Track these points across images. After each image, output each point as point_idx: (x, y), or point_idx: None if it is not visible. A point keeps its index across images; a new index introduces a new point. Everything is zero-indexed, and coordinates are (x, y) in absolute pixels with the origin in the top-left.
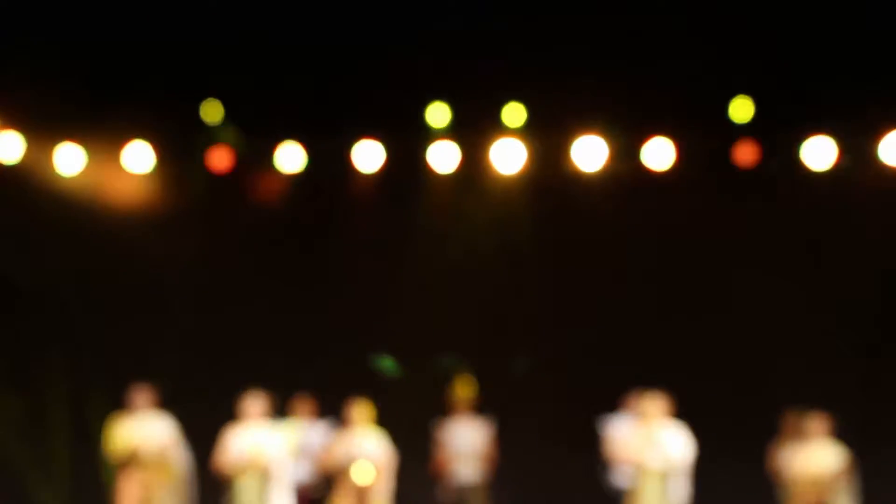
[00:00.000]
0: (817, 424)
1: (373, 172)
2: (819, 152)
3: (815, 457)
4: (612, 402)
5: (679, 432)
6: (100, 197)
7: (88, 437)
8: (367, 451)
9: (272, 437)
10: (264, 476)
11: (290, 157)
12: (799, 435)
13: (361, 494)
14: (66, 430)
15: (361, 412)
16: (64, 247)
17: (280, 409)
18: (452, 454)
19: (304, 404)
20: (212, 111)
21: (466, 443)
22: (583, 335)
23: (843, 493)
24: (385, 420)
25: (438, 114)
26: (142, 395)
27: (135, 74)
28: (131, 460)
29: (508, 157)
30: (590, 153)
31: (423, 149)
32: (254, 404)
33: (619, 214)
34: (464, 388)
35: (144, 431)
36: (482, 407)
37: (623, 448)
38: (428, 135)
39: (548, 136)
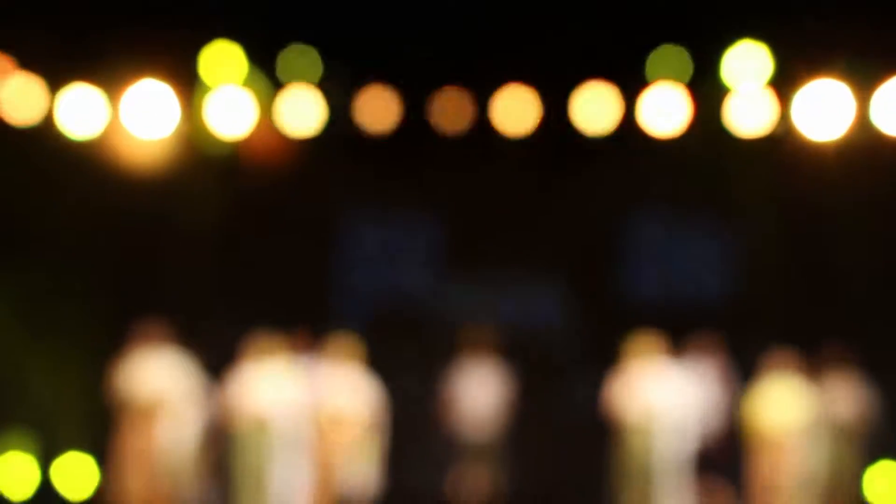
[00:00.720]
0: (784, 362)
1: (387, 130)
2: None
3: (778, 401)
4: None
5: (679, 376)
6: (112, 148)
7: (101, 379)
8: (350, 395)
9: (276, 387)
10: (271, 432)
11: (304, 114)
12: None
13: (343, 448)
14: (83, 374)
15: (346, 349)
16: (74, 190)
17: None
18: (461, 404)
19: (301, 342)
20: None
21: (479, 393)
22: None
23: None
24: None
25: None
26: (153, 334)
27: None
28: (142, 400)
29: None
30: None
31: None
32: (258, 348)
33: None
34: (479, 333)
35: (155, 371)
36: (498, 355)
37: (608, 398)
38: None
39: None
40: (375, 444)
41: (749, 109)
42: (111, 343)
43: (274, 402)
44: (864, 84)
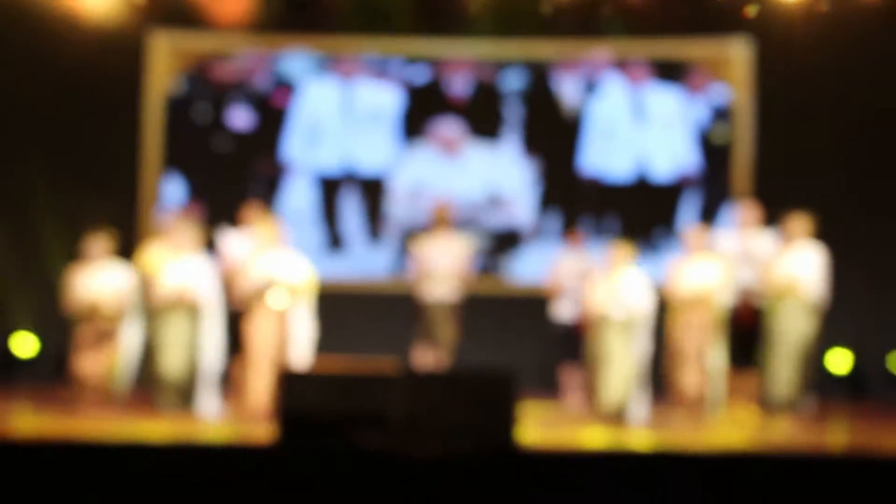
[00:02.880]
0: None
1: None
2: None
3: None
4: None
5: (641, 281)
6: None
7: (50, 287)
8: (285, 271)
9: (202, 268)
10: (194, 310)
11: None
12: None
13: (279, 320)
14: (28, 282)
15: (273, 226)
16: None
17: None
18: (425, 273)
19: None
20: None
21: (441, 262)
22: None
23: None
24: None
25: None
26: (99, 244)
27: None
28: (90, 310)
29: None
30: None
31: None
32: (182, 235)
33: None
34: (443, 210)
35: (103, 281)
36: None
37: (587, 299)
38: None
39: None
40: (303, 320)
41: None
42: (58, 257)
43: (204, 291)
44: None
